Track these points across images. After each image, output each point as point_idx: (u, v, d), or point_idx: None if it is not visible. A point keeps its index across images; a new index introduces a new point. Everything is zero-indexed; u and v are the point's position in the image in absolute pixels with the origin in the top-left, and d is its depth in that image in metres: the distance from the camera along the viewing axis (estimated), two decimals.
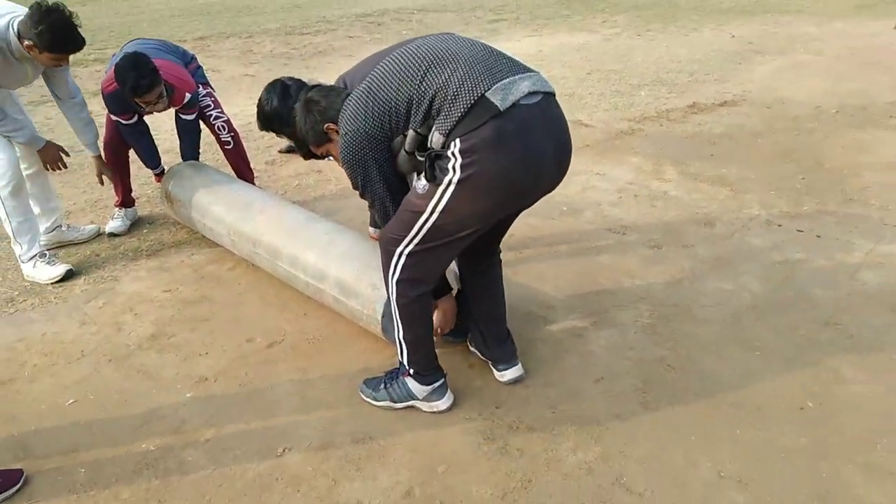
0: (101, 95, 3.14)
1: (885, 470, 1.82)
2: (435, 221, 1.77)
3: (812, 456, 1.88)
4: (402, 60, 1.78)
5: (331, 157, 2.09)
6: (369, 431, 2.03)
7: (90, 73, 6.91)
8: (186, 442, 2.01)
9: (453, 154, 1.67)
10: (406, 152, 1.81)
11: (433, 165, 1.71)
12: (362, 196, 1.97)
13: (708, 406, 2.08)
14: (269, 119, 2.36)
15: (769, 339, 2.37)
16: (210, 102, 3.42)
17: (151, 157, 3.34)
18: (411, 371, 2.05)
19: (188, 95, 3.16)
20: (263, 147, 4.54)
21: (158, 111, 3.09)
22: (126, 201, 3.44)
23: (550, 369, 2.27)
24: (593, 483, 1.82)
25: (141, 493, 1.84)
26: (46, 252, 2.99)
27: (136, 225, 3.45)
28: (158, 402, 2.19)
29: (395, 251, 1.89)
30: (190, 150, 3.39)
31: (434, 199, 1.73)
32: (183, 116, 3.29)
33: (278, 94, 2.31)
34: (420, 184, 1.78)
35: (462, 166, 1.66)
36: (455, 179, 1.68)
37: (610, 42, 7.38)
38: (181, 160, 3.36)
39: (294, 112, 2.03)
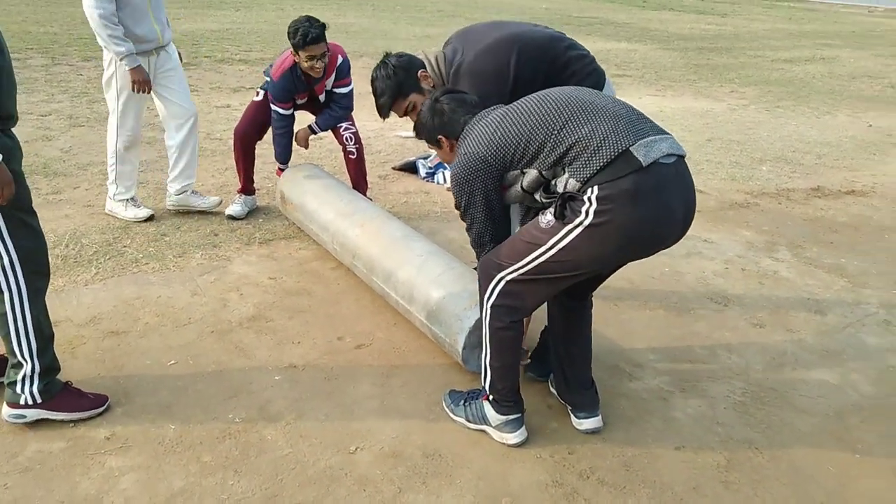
0: (265, 84, 3.43)
1: None
2: (551, 257, 1.80)
3: None
4: (545, 104, 1.84)
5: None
6: (440, 449, 2.05)
7: (234, 70, 7.47)
8: (269, 421, 2.11)
9: (589, 199, 1.72)
10: (522, 189, 1.87)
11: (565, 205, 1.76)
12: (462, 216, 2.02)
13: (795, 500, 1.95)
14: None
15: (874, 445, 2.21)
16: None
17: (285, 153, 3.56)
18: (491, 397, 2.07)
19: (340, 58, 3.36)
20: (379, 162, 4.73)
21: (317, 72, 3.25)
22: (247, 189, 3.68)
23: (630, 427, 2.21)
24: None
25: (220, 459, 1.94)
26: (137, 198, 3.54)
27: (253, 213, 3.68)
28: (249, 378, 2.31)
29: (496, 276, 1.93)
30: (331, 121, 3.53)
31: (558, 236, 1.78)
32: (337, 91, 3.44)
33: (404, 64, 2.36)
34: (545, 219, 1.82)
35: (596, 212, 1.71)
36: (586, 223, 1.73)
37: (735, 112, 7.20)
38: (315, 127, 3.53)
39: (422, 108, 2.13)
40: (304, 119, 3.59)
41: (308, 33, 3.07)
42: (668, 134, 1.81)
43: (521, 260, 1.86)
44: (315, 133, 3.55)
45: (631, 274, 3.25)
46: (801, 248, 3.77)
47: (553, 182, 1.82)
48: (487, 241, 2.00)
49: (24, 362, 1.95)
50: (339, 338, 2.59)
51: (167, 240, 3.30)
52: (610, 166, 1.70)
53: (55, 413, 2.00)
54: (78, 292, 2.76)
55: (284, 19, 11.77)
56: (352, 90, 3.52)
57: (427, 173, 4.45)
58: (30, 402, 1.97)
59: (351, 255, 2.86)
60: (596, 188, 1.71)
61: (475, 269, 2.19)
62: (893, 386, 2.55)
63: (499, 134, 1.85)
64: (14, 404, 1.98)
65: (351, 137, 3.63)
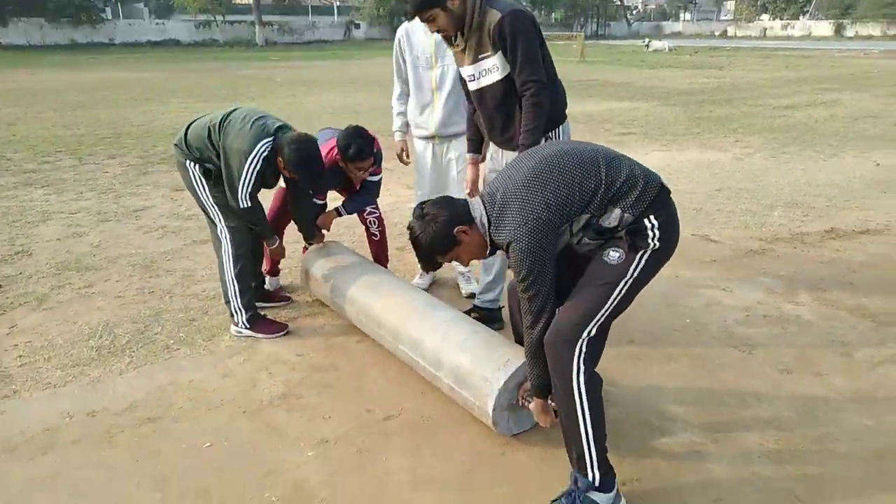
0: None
1: None
2: (632, 283, 1.97)
3: None
4: (575, 158, 1.95)
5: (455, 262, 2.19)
6: None
7: None
8: (305, 498, 2.13)
9: (651, 227, 1.92)
10: (571, 235, 1.99)
11: (631, 237, 1.95)
12: (527, 288, 1.96)
13: None
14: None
15: None
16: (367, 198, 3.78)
17: (312, 231, 3.68)
18: (597, 482, 1.99)
19: (375, 149, 3.49)
20: (396, 234, 4.86)
21: (360, 180, 3.46)
22: (273, 271, 3.80)
23: (665, 482, 2.20)
24: None
25: None
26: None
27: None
28: (283, 456, 2.34)
29: (579, 338, 1.96)
30: (358, 205, 3.68)
31: (633, 264, 1.97)
32: (369, 179, 3.60)
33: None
34: (614, 255, 1.97)
35: (660, 238, 1.97)
36: (654, 246, 1.97)
37: (742, 161, 7.32)
38: (342, 210, 3.64)
39: (412, 229, 2.10)
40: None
41: (362, 150, 3.25)
42: None
43: (603, 305, 1.96)
44: (340, 216, 3.68)
45: (653, 328, 3.27)
46: (822, 291, 3.77)
47: (598, 222, 1.96)
48: (549, 309, 1.98)
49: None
50: (368, 410, 2.62)
51: (196, 324, 3.40)
52: (657, 198, 1.97)
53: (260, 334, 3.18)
54: (113, 382, 2.84)
55: (295, 105, 12.28)
56: (381, 179, 3.68)
57: None
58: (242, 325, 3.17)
59: (377, 325, 2.93)
60: (653, 217, 1.95)
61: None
62: None
63: (553, 192, 1.90)
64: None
65: (375, 221, 3.76)
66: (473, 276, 3.81)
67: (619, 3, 63.90)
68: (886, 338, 3.21)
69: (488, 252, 2.12)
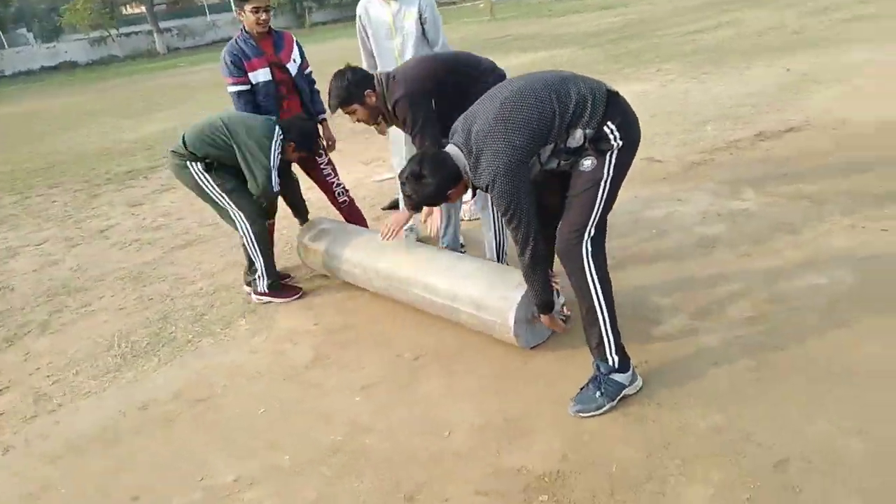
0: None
1: None
2: (612, 180, 2.25)
3: None
4: (530, 97, 2.20)
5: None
6: (517, 413, 2.36)
7: None
8: (365, 430, 2.40)
9: (611, 131, 2.21)
10: (541, 164, 2.26)
11: (596, 145, 2.23)
12: (510, 219, 2.24)
13: (816, 375, 2.32)
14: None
15: (864, 321, 2.60)
16: (330, 171, 3.97)
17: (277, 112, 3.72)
18: (616, 364, 2.32)
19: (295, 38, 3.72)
20: (367, 206, 5.07)
21: (263, 24, 3.50)
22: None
23: (668, 359, 2.56)
24: (725, 441, 2.09)
25: (338, 469, 2.22)
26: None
27: None
28: (333, 405, 2.59)
29: (583, 241, 2.26)
30: (316, 98, 3.84)
31: (606, 164, 2.24)
32: (307, 72, 3.79)
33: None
34: (586, 163, 2.24)
35: (621, 137, 2.23)
36: (618, 145, 2.24)
37: (666, 87, 7.78)
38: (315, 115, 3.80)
39: (406, 188, 2.40)
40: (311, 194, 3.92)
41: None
42: None
43: (593, 207, 2.24)
44: (314, 119, 3.78)
45: (626, 242, 3.64)
46: (762, 186, 4.22)
47: (565, 145, 2.23)
48: (533, 231, 2.26)
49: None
50: (398, 355, 2.89)
51: (207, 318, 3.57)
52: (609, 106, 2.21)
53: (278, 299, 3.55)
54: (151, 379, 3.01)
55: (222, 108, 12.12)
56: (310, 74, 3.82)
57: None
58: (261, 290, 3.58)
59: (387, 280, 3.18)
60: (610, 123, 2.20)
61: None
62: (869, 272, 2.96)
63: (516, 134, 2.17)
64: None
65: (342, 191, 3.95)
66: (418, 226, 4.07)
67: None
68: (822, 213, 3.66)
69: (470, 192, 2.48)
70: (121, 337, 3.49)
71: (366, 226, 4.07)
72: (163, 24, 38.34)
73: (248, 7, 3.44)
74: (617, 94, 2.28)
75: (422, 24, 3.57)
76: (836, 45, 8.74)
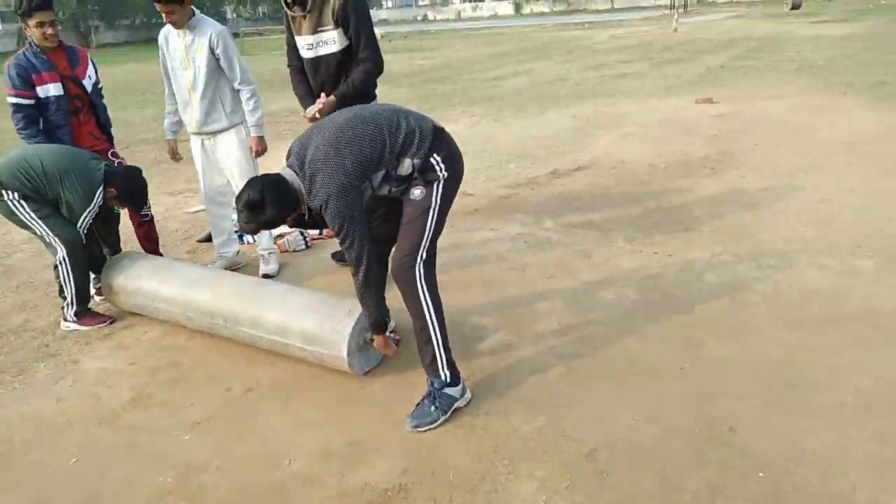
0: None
1: (751, 394, 2.51)
2: (440, 209, 2.43)
3: (697, 397, 2.54)
4: (361, 127, 2.34)
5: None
6: (357, 436, 2.42)
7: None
8: (199, 470, 2.29)
9: (437, 163, 2.39)
10: (373, 189, 2.41)
11: (423, 175, 2.39)
12: (343, 240, 2.36)
13: (616, 375, 2.70)
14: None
15: (650, 327, 3.08)
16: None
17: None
18: (448, 379, 2.48)
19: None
20: (181, 239, 4.81)
21: (51, 40, 3.41)
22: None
23: (492, 371, 2.80)
24: (545, 439, 2.34)
25: None
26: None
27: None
28: (161, 447, 2.44)
29: (416, 265, 2.42)
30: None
31: (434, 193, 2.43)
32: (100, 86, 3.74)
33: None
34: (416, 192, 2.41)
35: (446, 168, 2.43)
36: (444, 176, 2.44)
37: (472, 128, 8.42)
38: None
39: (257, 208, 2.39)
40: None
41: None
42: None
43: (424, 233, 2.40)
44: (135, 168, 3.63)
45: (447, 267, 3.89)
46: (560, 217, 4.76)
47: (395, 173, 2.39)
48: (366, 252, 2.37)
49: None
50: (228, 389, 2.79)
51: None
52: (435, 139, 2.41)
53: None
54: None
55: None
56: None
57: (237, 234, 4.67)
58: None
59: (209, 317, 3.06)
60: (436, 154, 2.41)
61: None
62: (648, 288, 3.50)
63: (348, 160, 2.29)
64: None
65: (147, 214, 3.87)
66: (275, 257, 4.04)
67: None
68: (609, 239, 4.25)
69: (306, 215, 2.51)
70: None
71: (157, 245, 3.98)
72: None
73: (32, 21, 3.35)
74: (443, 129, 2.50)
75: (215, 58, 3.56)
76: (609, 96, 10.13)
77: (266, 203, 2.33)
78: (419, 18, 58.72)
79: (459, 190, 2.58)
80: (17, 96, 3.40)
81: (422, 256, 2.44)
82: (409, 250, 2.43)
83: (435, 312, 2.47)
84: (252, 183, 2.39)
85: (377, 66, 3.37)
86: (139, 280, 3.34)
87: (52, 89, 3.44)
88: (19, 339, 3.39)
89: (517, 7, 55.27)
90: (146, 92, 14.59)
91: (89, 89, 3.62)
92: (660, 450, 2.27)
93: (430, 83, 13.36)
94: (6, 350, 3.29)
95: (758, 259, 3.76)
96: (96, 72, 3.73)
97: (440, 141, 2.44)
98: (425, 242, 2.44)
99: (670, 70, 12.66)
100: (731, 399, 2.51)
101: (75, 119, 3.58)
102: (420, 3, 67.13)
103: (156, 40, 3.81)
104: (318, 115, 3.13)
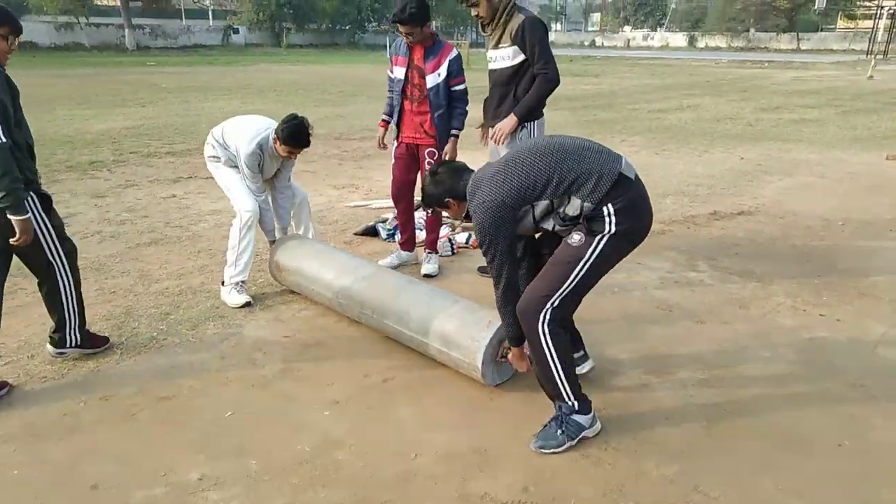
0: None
1: None
2: (589, 267, 2.31)
3: (854, 479, 2.30)
4: (538, 151, 2.37)
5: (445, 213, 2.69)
6: (482, 445, 2.45)
7: (165, 163, 7.68)
8: (335, 446, 2.44)
9: (608, 214, 2.27)
10: (534, 219, 2.39)
11: (588, 223, 2.31)
12: (485, 253, 2.43)
13: (763, 439, 2.51)
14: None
15: (808, 394, 2.83)
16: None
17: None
18: (576, 406, 2.44)
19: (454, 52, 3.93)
20: (339, 230, 5.15)
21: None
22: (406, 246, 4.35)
23: (625, 409, 2.72)
24: (675, 489, 2.23)
25: (306, 479, 2.25)
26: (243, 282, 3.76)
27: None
28: (303, 416, 2.63)
29: (545, 306, 2.34)
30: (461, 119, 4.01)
31: (591, 247, 2.30)
32: (455, 88, 3.92)
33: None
34: (576, 237, 2.33)
35: (618, 223, 2.28)
36: (612, 231, 2.28)
37: (632, 159, 8.19)
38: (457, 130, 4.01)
39: (425, 182, 2.65)
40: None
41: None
42: (621, 155, 2.43)
43: (565, 281, 2.33)
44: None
45: (589, 297, 3.82)
46: (715, 260, 4.52)
47: (562, 210, 2.34)
48: (506, 270, 2.40)
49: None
50: (365, 375, 2.95)
51: (172, 318, 3.54)
52: (615, 187, 2.27)
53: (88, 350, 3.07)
54: (113, 370, 2.97)
55: (192, 111, 12.05)
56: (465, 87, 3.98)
57: (387, 234, 4.91)
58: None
59: (359, 306, 3.25)
60: (610, 205, 2.27)
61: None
62: (809, 352, 3.22)
63: (510, 181, 2.34)
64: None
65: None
66: (436, 258, 4.21)
67: None
68: (770, 293, 3.96)
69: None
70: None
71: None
72: (135, 21, 37.80)
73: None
74: (632, 179, 2.33)
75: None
76: (784, 141, 9.44)
77: (439, 174, 2.55)
78: (587, 44, 58.27)
79: None
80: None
81: (553, 304, 2.36)
82: (542, 292, 2.37)
83: (555, 348, 2.38)
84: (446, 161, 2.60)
85: (553, 78, 3.70)
86: (301, 261, 3.62)
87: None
88: (195, 298, 3.80)
89: (691, 40, 53.13)
90: (324, 92, 15.75)
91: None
92: None
93: (592, 109, 13.22)
94: (185, 306, 3.70)
95: None
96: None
97: (621, 190, 2.28)
98: (562, 292, 2.36)
99: (859, 120, 11.56)
100: (893, 490, 2.24)
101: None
102: (589, 29, 66.65)
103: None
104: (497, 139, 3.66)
